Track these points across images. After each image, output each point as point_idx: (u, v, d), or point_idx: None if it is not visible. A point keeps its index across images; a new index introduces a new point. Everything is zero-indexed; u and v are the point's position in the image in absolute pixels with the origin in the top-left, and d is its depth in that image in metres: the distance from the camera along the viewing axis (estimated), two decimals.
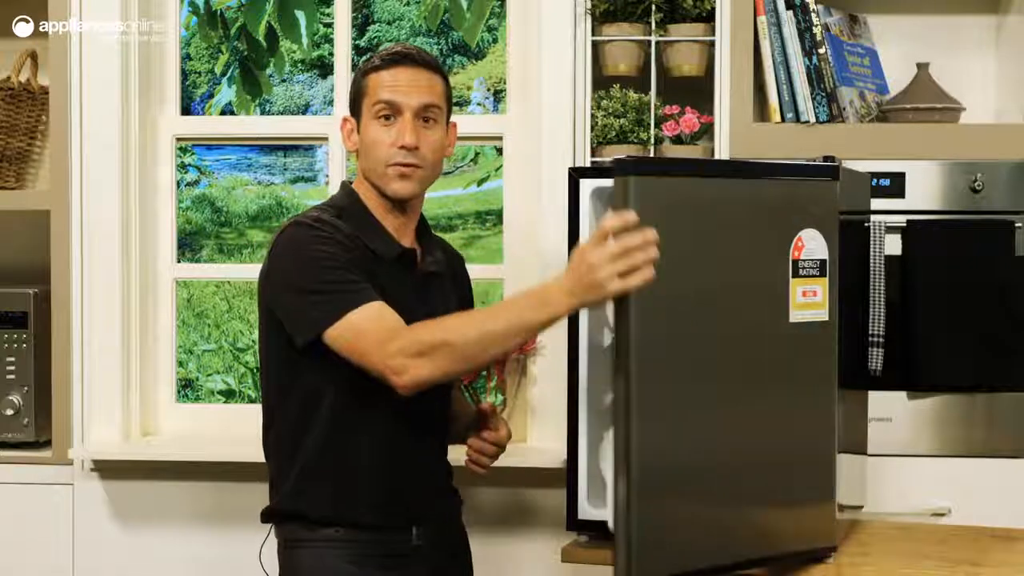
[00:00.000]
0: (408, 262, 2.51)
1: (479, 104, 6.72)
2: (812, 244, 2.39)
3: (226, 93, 5.45)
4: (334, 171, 3.46)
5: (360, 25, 6.97)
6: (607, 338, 2.97)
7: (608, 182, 2.89)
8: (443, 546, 2.57)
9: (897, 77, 3.28)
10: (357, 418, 2.44)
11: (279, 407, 2.50)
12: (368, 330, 2.31)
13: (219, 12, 4.94)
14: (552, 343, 3.21)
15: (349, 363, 2.35)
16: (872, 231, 2.93)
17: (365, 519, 2.45)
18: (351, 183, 2.58)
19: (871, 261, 2.92)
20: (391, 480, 2.47)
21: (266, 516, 2.54)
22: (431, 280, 2.56)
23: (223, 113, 6.01)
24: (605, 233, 2.16)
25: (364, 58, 2.56)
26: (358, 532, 2.44)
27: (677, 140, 3.17)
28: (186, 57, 6.28)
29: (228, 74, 5.36)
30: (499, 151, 3.55)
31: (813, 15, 3.13)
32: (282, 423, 2.49)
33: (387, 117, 2.46)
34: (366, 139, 2.49)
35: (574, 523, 2.84)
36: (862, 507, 2.85)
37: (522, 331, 2.28)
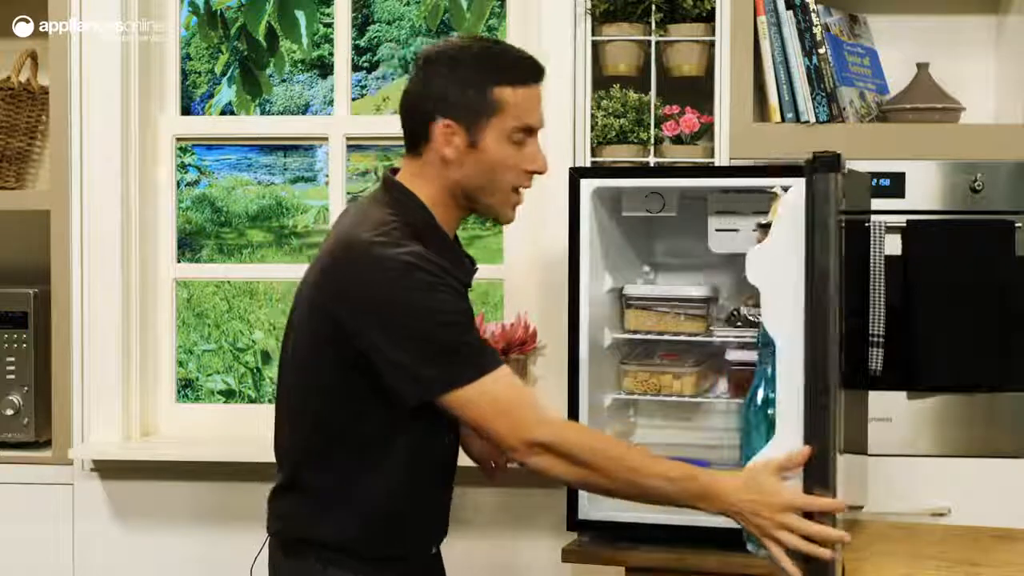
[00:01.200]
0: (470, 282, 2.36)
1: None
2: None
3: (226, 93, 5.44)
4: (334, 171, 3.46)
5: (360, 25, 6.97)
6: (607, 338, 2.98)
7: (609, 182, 2.91)
8: (438, 552, 2.55)
9: (897, 77, 3.28)
10: (426, 462, 2.31)
11: (326, 435, 2.28)
12: (504, 399, 2.16)
13: (219, 12, 4.94)
14: (552, 343, 3.21)
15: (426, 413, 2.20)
16: (872, 231, 2.93)
17: (413, 551, 2.37)
18: (399, 178, 2.30)
19: (871, 261, 2.92)
20: (444, 514, 2.43)
21: (301, 541, 2.32)
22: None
23: (223, 113, 6.00)
24: (818, 507, 2.13)
25: (482, 55, 2.25)
26: (389, 560, 2.33)
27: (677, 140, 3.17)
28: (186, 57, 6.29)
29: (228, 74, 5.36)
30: None
31: (813, 15, 3.13)
32: (334, 455, 2.28)
33: (519, 142, 2.26)
34: (492, 158, 2.25)
35: (574, 523, 2.84)
36: (862, 507, 2.85)
37: (664, 501, 2.22)
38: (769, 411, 2.20)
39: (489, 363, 2.17)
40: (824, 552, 2.12)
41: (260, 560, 2.45)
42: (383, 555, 2.30)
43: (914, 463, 3.09)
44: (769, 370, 2.21)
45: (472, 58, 2.26)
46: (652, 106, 3.16)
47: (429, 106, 2.25)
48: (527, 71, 2.27)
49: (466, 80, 2.23)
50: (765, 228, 2.28)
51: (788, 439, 2.13)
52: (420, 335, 2.15)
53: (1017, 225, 3.03)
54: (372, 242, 2.18)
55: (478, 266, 2.45)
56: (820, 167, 2.12)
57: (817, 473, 2.10)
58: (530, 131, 2.27)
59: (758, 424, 2.23)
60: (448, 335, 2.15)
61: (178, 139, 3.52)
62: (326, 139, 3.49)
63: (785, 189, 2.36)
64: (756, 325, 2.94)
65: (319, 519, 2.28)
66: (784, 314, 2.14)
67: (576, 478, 2.21)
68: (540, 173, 2.30)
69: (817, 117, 3.12)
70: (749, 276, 2.22)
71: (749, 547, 2.26)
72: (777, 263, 2.15)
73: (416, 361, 2.15)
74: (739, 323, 2.98)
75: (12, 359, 3.34)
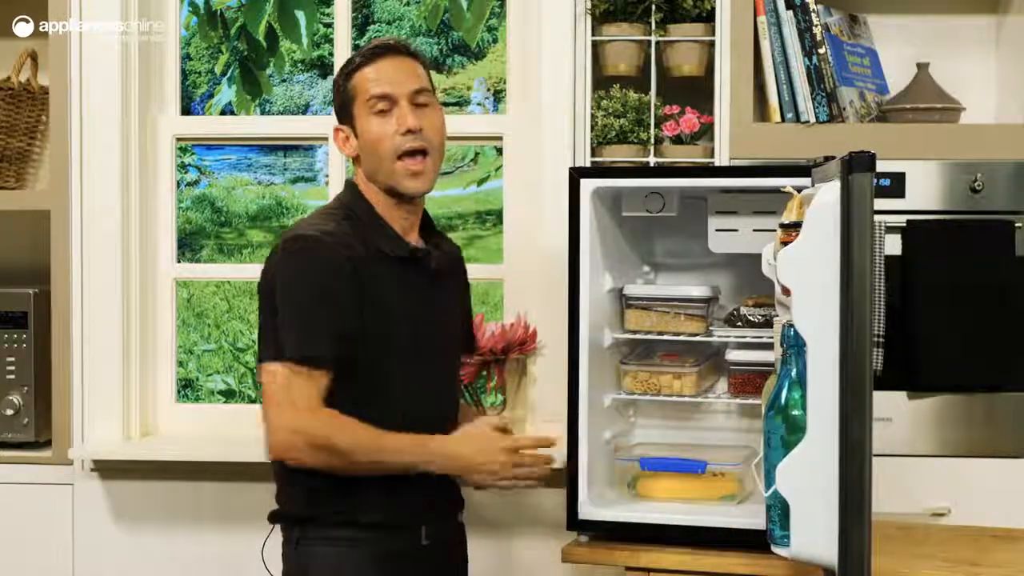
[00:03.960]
0: (417, 261, 2.51)
1: (479, 104, 6.72)
2: None
3: (226, 93, 5.45)
4: (334, 171, 3.46)
5: (360, 25, 6.97)
6: (607, 338, 2.98)
7: (609, 182, 2.91)
8: (448, 545, 2.57)
9: (897, 77, 3.28)
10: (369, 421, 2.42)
11: None
12: (288, 385, 2.35)
13: (219, 12, 4.94)
14: (552, 343, 3.21)
15: (355, 367, 2.39)
16: (872, 231, 2.92)
17: (375, 519, 2.44)
18: (354, 182, 2.56)
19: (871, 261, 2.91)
20: (400, 480, 2.45)
21: (276, 518, 2.51)
22: (439, 278, 2.56)
23: (223, 113, 6.01)
24: (524, 445, 2.47)
25: (345, 62, 2.57)
26: (367, 531, 2.43)
27: (677, 140, 3.17)
28: (186, 57, 6.29)
29: (228, 74, 5.37)
30: (499, 151, 3.55)
31: (813, 15, 3.13)
32: None
33: (382, 111, 2.46)
34: (367, 137, 2.47)
35: (574, 523, 2.84)
36: None
37: (402, 468, 2.40)
38: (793, 412, 2.20)
39: (301, 351, 2.34)
40: (539, 473, 2.49)
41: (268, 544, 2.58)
42: (343, 535, 2.42)
43: (914, 463, 3.09)
44: (794, 371, 2.20)
45: (340, 67, 2.58)
46: (652, 106, 3.16)
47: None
48: (368, 53, 2.51)
49: (337, 87, 2.57)
50: (787, 228, 2.27)
51: (820, 439, 2.12)
52: (281, 306, 2.38)
53: (1017, 225, 3.03)
54: (291, 230, 2.47)
55: (458, 254, 2.70)
56: (856, 167, 2.10)
57: (853, 471, 2.09)
58: (387, 99, 2.46)
59: (779, 425, 2.23)
60: (288, 315, 2.36)
61: (178, 139, 3.52)
62: (326, 139, 3.48)
63: (798, 189, 2.36)
64: (756, 325, 2.94)
65: (282, 496, 2.48)
66: (816, 314, 2.13)
67: (323, 462, 2.35)
68: (411, 132, 2.43)
69: (817, 117, 3.12)
70: (780, 276, 2.21)
71: (773, 548, 2.26)
72: (810, 263, 2.13)
73: (273, 326, 2.38)
74: (739, 323, 2.98)
75: (12, 359, 3.34)
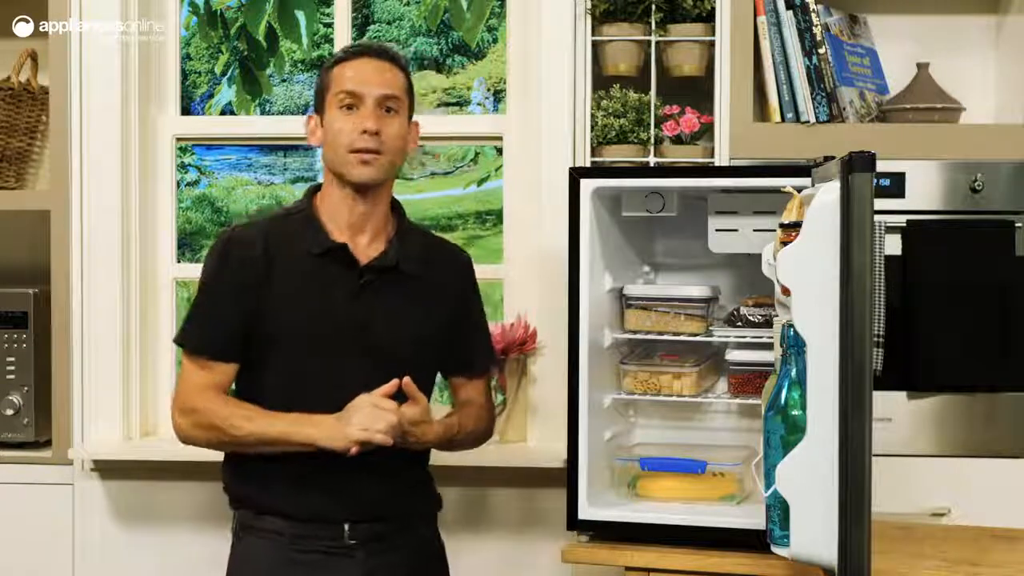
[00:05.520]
0: (340, 257, 2.52)
1: (479, 104, 6.71)
2: None
3: (226, 93, 5.44)
4: None
5: (360, 25, 6.96)
6: (607, 338, 2.98)
7: (609, 182, 2.91)
8: (387, 551, 2.55)
9: (897, 77, 3.28)
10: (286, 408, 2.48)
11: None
12: (184, 372, 2.54)
13: (219, 12, 4.94)
14: (552, 343, 3.21)
15: (269, 361, 2.51)
16: (872, 231, 2.92)
17: (292, 510, 2.49)
18: (319, 183, 2.64)
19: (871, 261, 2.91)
20: (318, 474, 2.48)
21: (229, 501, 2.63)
22: (380, 276, 2.54)
23: (223, 113, 6.00)
24: (381, 392, 2.42)
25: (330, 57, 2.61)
26: (289, 524, 2.49)
27: (677, 140, 3.17)
28: (186, 57, 6.29)
29: (228, 74, 5.36)
30: (499, 151, 3.55)
31: (813, 15, 3.13)
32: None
33: (350, 107, 2.51)
34: (330, 128, 2.53)
35: (574, 523, 2.84)
36: None
37: (290, 442, 2.44)
38: (793, 412, 2.20)
39: (200, 342, 2.52)
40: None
41: None
42: (266, 525, 2.51)
43: (914, 463, 3.09)
44: (794, 371, 2.21)
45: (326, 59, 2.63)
46: (652, 106, 3.16)
47: None
48: (351, 50, 2.59)
49: (319, 77, 2.60)
50: (787, 228, 2.27)
51: (820, 439, 2.12)
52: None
53: (1017, 225, 3.03)
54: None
55: (452, 264, 2.72)
56: (856, 167, 2.09)
57: (853, 471, 2.09)
58: (355, 96, 2.51)
59: (779, 425, 2.23)
60: (195, 302, 2.57)
61: (178, 139, 3.52)
62: None
63: (798, 189, 2.36)
64: (756, 325, 2.94)
65: (236, 482, 2.59)
66: (816, 314, 2.12)
67: (212, 443, 2.52)
68: (368, 133, 2.49)
69: (817, 117, 3.12)
70: (780, 277, 2.20)
71: (773, 548, 2.26)
72: (810, 263, 2.13)
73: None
74: (739, 323, 2.98)
75: (12, 359, 3.34)
